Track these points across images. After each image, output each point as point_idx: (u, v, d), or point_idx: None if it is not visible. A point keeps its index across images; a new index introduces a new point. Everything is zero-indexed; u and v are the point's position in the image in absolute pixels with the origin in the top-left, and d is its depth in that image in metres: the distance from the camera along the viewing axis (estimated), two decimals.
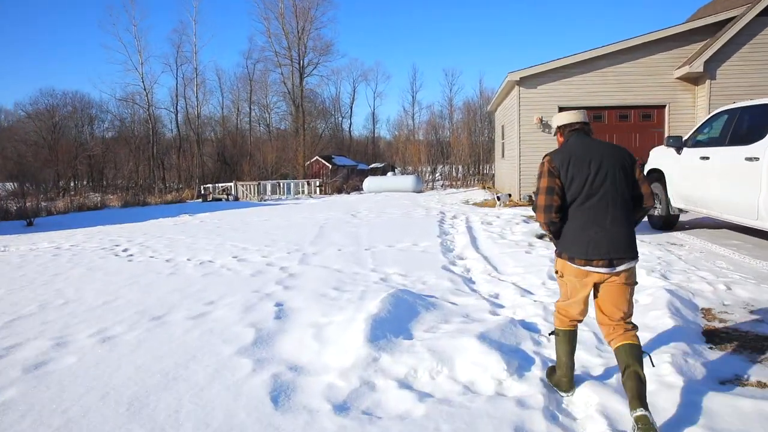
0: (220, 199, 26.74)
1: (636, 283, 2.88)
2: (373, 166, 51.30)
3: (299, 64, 39.09)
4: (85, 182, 49.92)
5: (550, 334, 3.28)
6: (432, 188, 34.72)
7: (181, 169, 45.66)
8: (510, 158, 16.20)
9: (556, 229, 2.89)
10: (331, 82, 72.59)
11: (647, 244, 7.36)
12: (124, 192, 34.13)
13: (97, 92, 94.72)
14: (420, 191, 26.67)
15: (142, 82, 44.30)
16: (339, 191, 31.87)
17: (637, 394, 2.56)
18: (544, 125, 14.14)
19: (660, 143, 14.23)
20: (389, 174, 29.79)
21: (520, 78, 13.95)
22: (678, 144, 7.58)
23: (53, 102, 47.58)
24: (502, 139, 18.56)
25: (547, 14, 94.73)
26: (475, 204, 15.59)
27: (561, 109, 14.02)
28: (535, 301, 5.06)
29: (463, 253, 7.66)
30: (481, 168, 44.20)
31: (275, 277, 6.52)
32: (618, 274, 2.76)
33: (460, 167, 39.48)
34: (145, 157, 44.95)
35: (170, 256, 8.29)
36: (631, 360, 2.68)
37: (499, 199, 14.39)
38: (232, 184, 27.56)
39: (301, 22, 38.67)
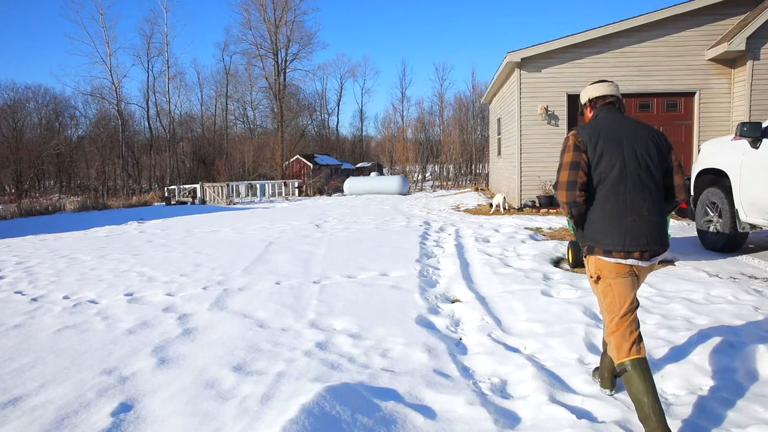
0: (186, 203, 24.50)
1: None
2: (359, 165, 49.12)
3: (276, 55, 36.71)
4: (52, 183, 47.49)
5: (615, 377, 2.75)
6: (420, 189, 32.65)
7: (154, 169, 43.22)
8: (508, 156, 13.99)
9: (578, 213, 2.56)
10: (317, 77, 70.24)
11: (714, 278, 5.16)
12: (91, 193, 31.87)
13: (66, 87, 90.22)
14: (406, 193, 24.50)
15: (111, 75, 41.76)
16: (320, 192, 29.89)
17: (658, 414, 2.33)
18: (550, 116, 11.95)
19: (688, 135, 12.37)
20: (373, 174, 27.53)
21: (522, 59, 11.75)
22: (756, 133, 5.39)
23: (15, 96, 44.94)
24: (499, 134, 16.37)
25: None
26: (467, 210, 13.35)
27: (570, 97, 11.86)
28: (576, 408, 2.82)
29: (449, 290, 5.42)
30: (473, 168, 42.23)
31: (161, 335, 4.31)
32: (651, 266, 2.55)
33: (450, 167, 37.42)
34: (114, 156, 42.35)
35: (46, 290, 6.03)
36: (650, 377, 2.39)
37: (491, 205, 12.18)
38: (198, 185, 25.19)
39: (279, 11, 36.32)
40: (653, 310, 4.23)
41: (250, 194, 26.40)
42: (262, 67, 39.70)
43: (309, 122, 51.83)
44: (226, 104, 47.69)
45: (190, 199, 24.70)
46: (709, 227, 6.41)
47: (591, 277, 2.62)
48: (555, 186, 2.62)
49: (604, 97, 2.72)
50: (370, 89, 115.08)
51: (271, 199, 25.82)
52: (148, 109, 44.06)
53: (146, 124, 44.82)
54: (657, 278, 5.09)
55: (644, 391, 2.35)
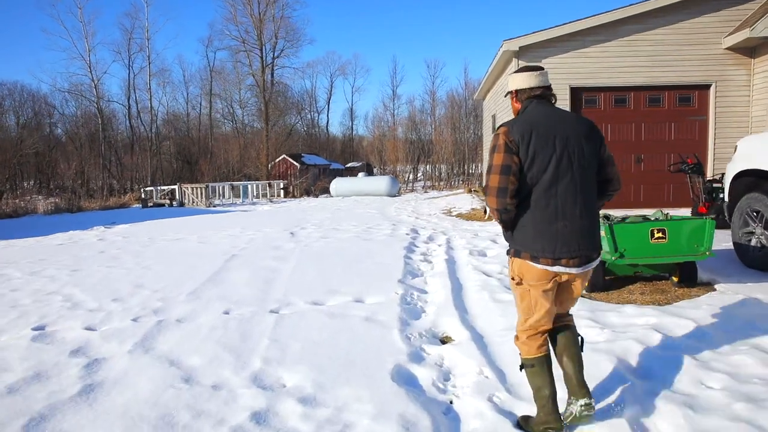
0: (163, 205, 23.33)
1: None
2: (349, 165, 47.99)
3: (261, 50, 35.52)
4: (31, 184, 46.05)
5: (521, 369, 2.67)
6: (411, 190, 31.61)
7: (136, 170, 41.84)
8: None
9: (509, 218, 2.45)
10: (306, 75, 68.98)
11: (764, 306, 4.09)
12: (67, 195, 30.60)
13: (43, 83, 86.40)
14: (396, 195, 23.46)
15: (90, 72, 40.41)
16: (307, 193, 28.88)
17: (583, 381, 2.52)
18: None
19: (702, 132, 11.38)
20: (361, 175, 26.45)
21: (520, 48, 10.69)
22: None
23: None
24: (493, 131, 15.32)
25: None
26: (459, 216, 12.26)
27: (573, 90, 10.83)
28: None
29: (438, 323, 4.34)
30: (466, 167, 41.30)
31: (49, 397, 3.31)
32: (585, 272, 2.49)
33: (443, 167, 36.44)
34: (93, 156, 40.93)
35: None
36: (575, 343, 2.59)
37: (486, 211, 11.10)
38: (176, 187, 24.01)
39: (263, 5, 35.12)
40: (714, 364, 3.14)
41: (232, 196, 25.28)
42: (249, 64, 38.54)
43: (297, 121, 50.62)
44: (211, 102, 46.39)
45: (168, 202, 23.51)
46: (749, 240, 5.37)
47: (512, 278, 2.58)
48: (485, 190, 2.47)
49: (532, 89, 2.54)
50: (361, 87, 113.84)
51: (254, 200, 24.76)
52: (129, 107, 42.75)
53: (127, 122, 43.42)
54: (701, 312, 4.03)
55: (547, 383, 2.54)
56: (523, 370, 2.65)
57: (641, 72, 10.68)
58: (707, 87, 10.69)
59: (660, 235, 4.32)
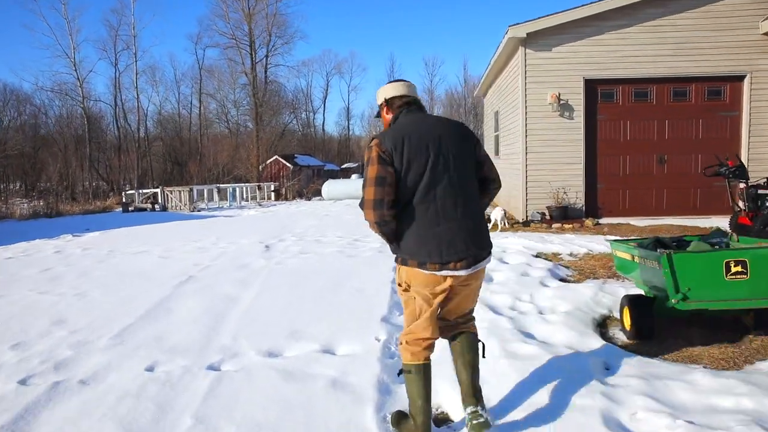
0: (145, 209, 22.15)
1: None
2: (345, 166, 46.77)
3: (251, 47, 34.33)
4: (18, 186, 44.88)
5: (399, 374, 2.71)
6: None
7: (123, 172, 40.62)
8: (509, 156, 11.77)
9: (390, 230, 2.43)
10: (301, 74, 67.72)
11: None
12: (50, 198, 29.43)
13: (24, 82, 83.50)
14: None
15: (75, 70, 39.20)
16: (300, 195, 27.66)
17: (474, 389, 2.54)
18: (563, 106, 9.75)
19: (734, 130, 9.77)
20: (354, 177, 25.27)
21: (527, 35, 9.53)
22: None
23: None
24: (496, 130, 14.15)
25: None
26: None
27: (588, 83, 9.68)
28: None
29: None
30: None
31: None
32: (477, 273, 2.48)
33: None
34: (78, 157, 39.68)
35: None
36: (472, 350, 2.58)
37: (488, 220, 9.94)
38: (159, 190, 22.83)
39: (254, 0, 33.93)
40: None
41: (219, 199, 24.08)
42: (242, 62, 37.35)
43: (290, 120, 49.38)
44: (200, 101, 45.17)
45: (150, 206, 22.31)
46: None
47: (399, 285, 2.56)
48: (361, 204, 2.41)
49: (401, 96, 2.57)
50: (357, 86, 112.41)
51: (243, 204, 23.60)
52: (115, 107, 41.49)
53: (114, 122, 42.20)
54: None
55: (421, 394, 2.53)
56: (401, 375, 2.66)
57: (665, 62, 9.53)
58: (740, 78, 9.54)
59: (739, 269, 3.15)
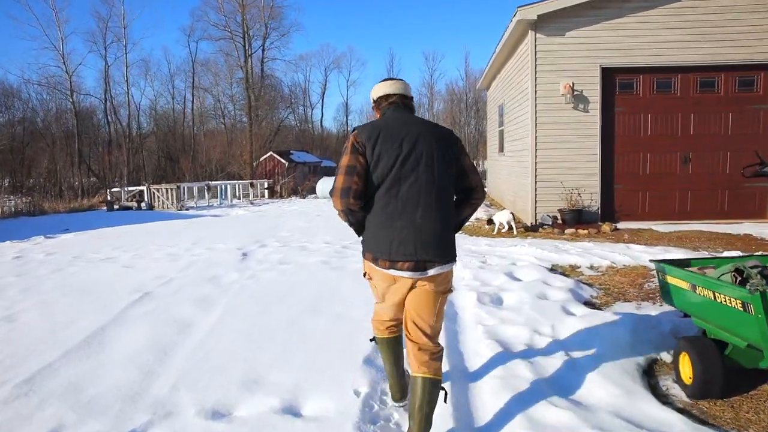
0: (130, 208, 21.23)
1: (451, 290, 2.56)
2: None
3: (244, 38, 33.34)
4: (7, 182, 43.97)
5: (371, 340, 2.98)
6: None
7: (113, 168, 39.64)
8: (515, 153, 10.84)
9: (357, 220, 2.48)
10: (299, 69, 66.61)
11: None
12: (34, 195, 28.52)
13: (9, 74, 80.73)
14: None
15: (64, 63, 38.23)
16: (294, 193, 26.76)
17: None
18: (578, 98, 8.82)
19: None
20: None
21: (538, 17, 8.59)
22: None
23: None
24: (501, 125, 13.21)
25: None
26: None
27: (606, 72, 8.77)
28: None
29: None
30: None
31: None
32: (429, 279, 2.41)
33: None
34: (65, 153, 38.67)
35: None
36: (425, 399, 2.36)
37: (491, 222, 9.05)
38: (145, 188, 21.91)
39: None
40: None
41: (209, 197, 23.15)
42: (237, 56, 36.36)
43: (286, 115, 48.34)
44: (193, 95, 44.18)
45: (135, 204, 21.38)
46: None
47: (365, 274, 2.60)
48: (331, 191, 2.42)
49: (387, 96, 2.60)
50: (356, 81, 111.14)
51: (234, 202, 22.71)
52: (105, 101, 40.47)
53: (104, 117, 41.19)
54: None
55: (389, 360, 2.78)
56: (372, 341, 2.93)
57: (692, 48, 8.60)
58: None
59: None
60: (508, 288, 5.03)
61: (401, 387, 2.82)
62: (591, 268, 5.99)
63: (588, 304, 4.59)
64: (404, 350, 2.70)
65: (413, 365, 2.42)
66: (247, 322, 4.41)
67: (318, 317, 4.45)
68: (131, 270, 6.99)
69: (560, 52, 8.77)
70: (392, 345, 2.74)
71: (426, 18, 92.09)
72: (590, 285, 5.24)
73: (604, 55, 8.71)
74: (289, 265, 6.71)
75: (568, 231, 8.36)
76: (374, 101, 2.66)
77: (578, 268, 6.00)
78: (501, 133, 13.26)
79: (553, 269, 5.93)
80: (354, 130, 2.44)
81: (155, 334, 4.23)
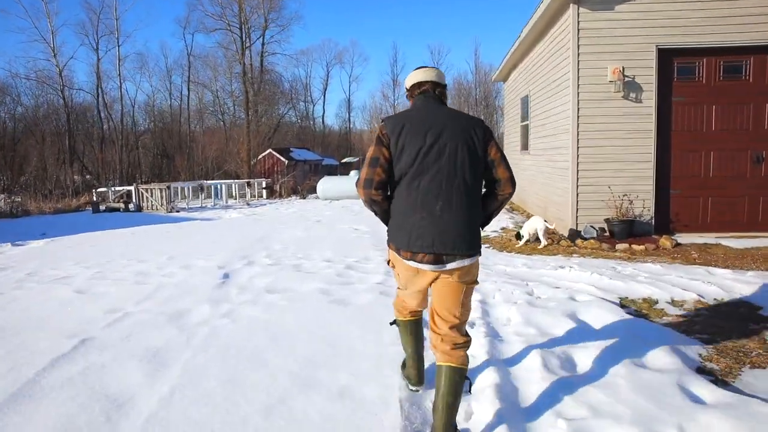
0: (118, 209, 19.95)
1: (476, 282, 2.52)
2: (346, 160, 44.40)
3: (241, 30, 31.98)
4: None
5: (391, 324, 3.07)
6: None
7: (106, 166, 38.36)
8: (545, 151, 9.44)
9: (381, 210, 2.51)
10: (300, 64, 65.06)
11: None
12: (20, 195, 27.31)
13: (2, 69, 78.34)
14: None
15: (54, 57, 36.96)
16: (295, 192, 25.48)
17: (442, 428, 2.34)
18: (628, 85, 7.42)
19: None
20: (353, 173, 22.91)
21: None
22: None
23: None
24: (525, 120, 11.81)
25: None
26: (486, 240, 8.68)
27: (662, 54, 7.39)
28: None
29: None
30: None
31: None
32: (449, 272, 2.38)
33: None
34: (58, 150, 37.39)
35: None
36: (449, 388, 2.36)
37: (520, 236, 7.70)
38: (132, 188, 20.61)
39: None
40: None
41: (203, 197, 21.81)
42: (236, 50, 34.98)
43: (285, 111, 46.91)
44: (189, 89, 42.85)
45: (123, 206, 20.06)
46: None
47: (388, 261, 2.62)
48: (357, 181, 2.49)
49: (420, 84, 2.60)
50: (359, 77, 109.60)
51: (229, 203, 21.44)
52: (98, 96, 39.15)
53: (97, 113, 39.85)
54: None
55: (409, 343, 2.88)
56: (393, 324, 3.02)
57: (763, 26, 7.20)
58: None
59: None
60: (580, 340, 3.63)
61: (419, 371, 2.89)
62: (673, 304, 4.59)
63: (702, 371, 3.20)
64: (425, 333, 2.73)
65: (436, 355, 2.45)
66: (207, 403, 3.02)
67: (311, 394, 3.06)
68: (83, 297, 5.65)
69: (608, 30, 7.36)
70: (413, 327, 2.85)
71: (431, 11, 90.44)
72: (686, 334, 3.85)
73: (660, 33, 7.31)
74: (277, 295, 5.32)
75: (620, 246, 6.96)
76: (407, 89, 2.66)
77: (656, 303, 4.60)
78: (524, 128, 11.85)
79: (623, 305, 4.54)
80: (382, 121, 2.45)
81: (69, 422, 2.85)
